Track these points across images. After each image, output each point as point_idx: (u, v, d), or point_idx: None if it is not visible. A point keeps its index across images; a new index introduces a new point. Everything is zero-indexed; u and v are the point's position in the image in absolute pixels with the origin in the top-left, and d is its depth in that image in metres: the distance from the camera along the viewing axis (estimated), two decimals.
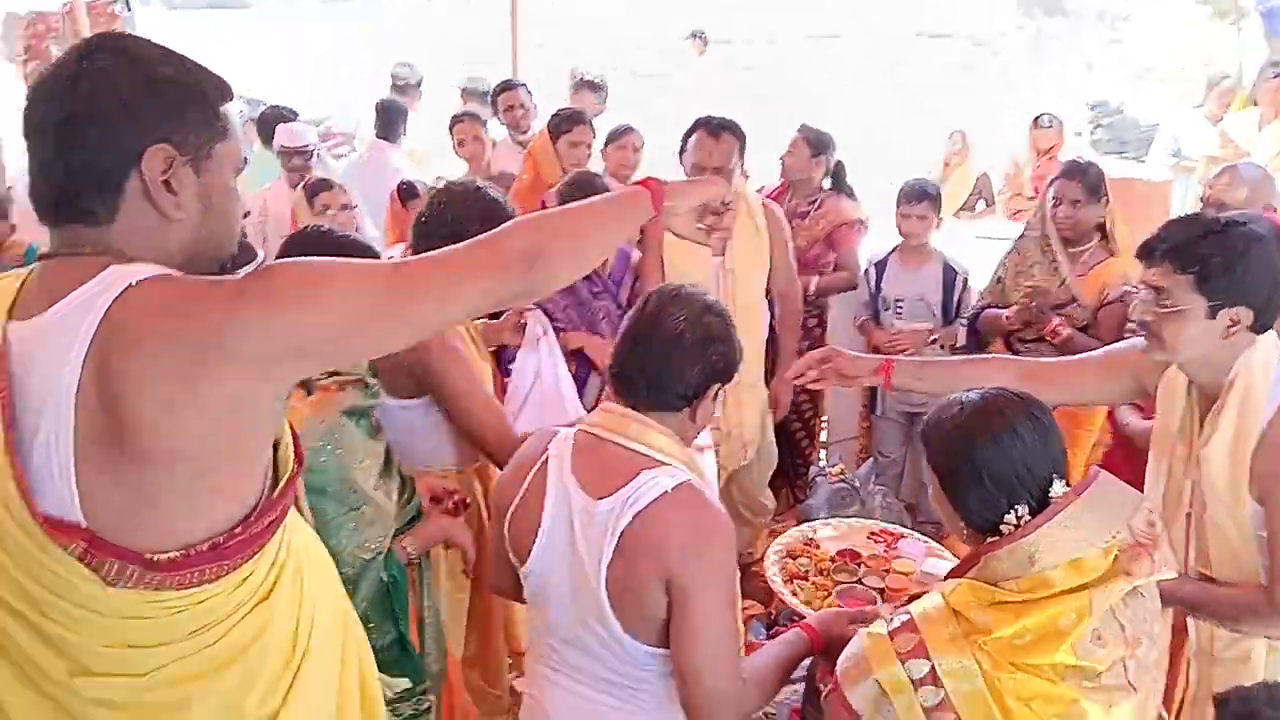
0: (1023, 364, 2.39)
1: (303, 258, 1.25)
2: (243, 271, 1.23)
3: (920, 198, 3.72)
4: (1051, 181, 3.42)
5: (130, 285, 1.13)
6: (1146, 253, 1.96)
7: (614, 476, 1.70)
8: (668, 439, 1.74)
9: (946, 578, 1.65)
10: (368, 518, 2.10)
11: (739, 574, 1.84)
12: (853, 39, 20.03)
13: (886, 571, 2.62)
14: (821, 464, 3.81)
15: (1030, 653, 1.43)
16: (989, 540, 1.55)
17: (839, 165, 4.26)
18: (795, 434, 4.11)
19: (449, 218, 2.39)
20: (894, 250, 3.90)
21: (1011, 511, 1.53)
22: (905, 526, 3.48)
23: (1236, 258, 1.82)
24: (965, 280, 3.83)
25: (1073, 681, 1.43)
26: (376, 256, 2.21)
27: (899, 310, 3.83)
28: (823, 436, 4.54)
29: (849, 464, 3.74)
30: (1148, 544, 1.51)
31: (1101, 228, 3.35)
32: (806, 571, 2.60)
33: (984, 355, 2.99)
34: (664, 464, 1.71)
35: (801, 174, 4.17)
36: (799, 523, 3.43)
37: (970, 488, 1.56)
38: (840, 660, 1.57)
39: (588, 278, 3.32)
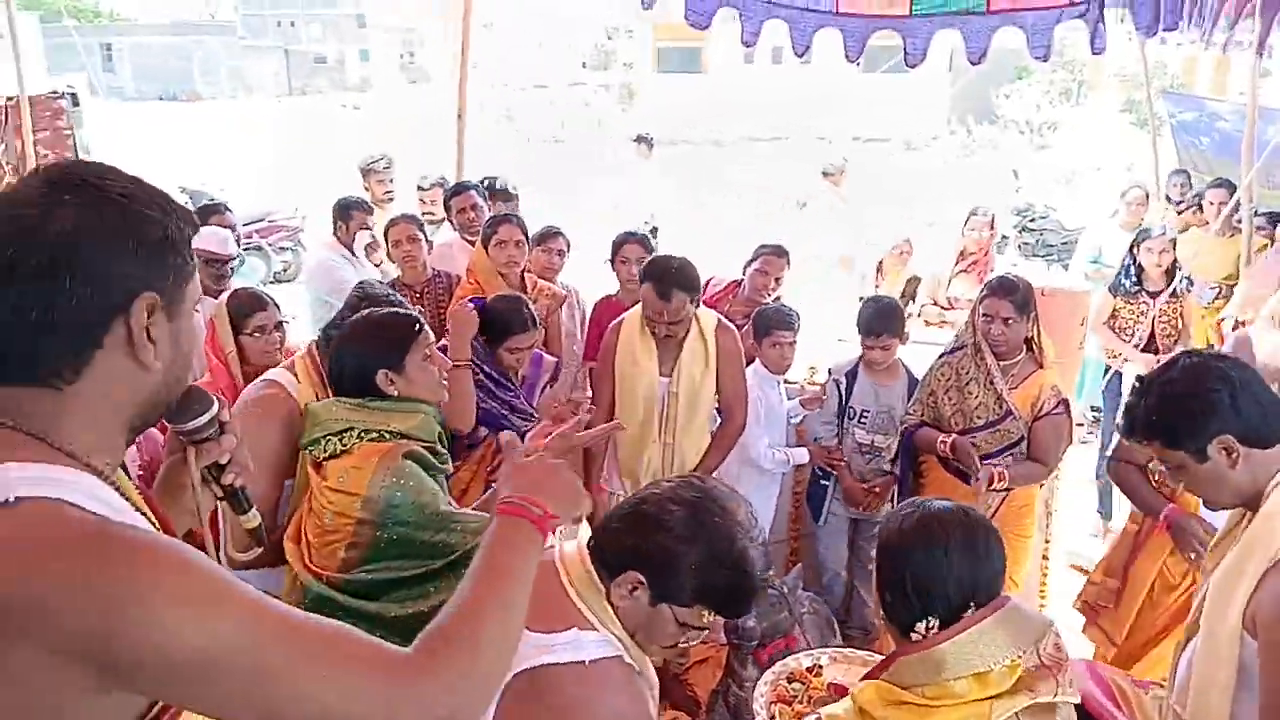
0: None
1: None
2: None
3: (881, 331, 3.73)
4: (983, 298, 3.46)
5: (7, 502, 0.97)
6: (1126, 435, 2.06)
7: (548, 616, 1.53)
8: (611, 616, 1.58)
9: (863, 679, 1.71)
10: (459, 522, 2.31)
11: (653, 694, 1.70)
12: (794, 142, 20.74)
13: None
14: None
15: None
16: (903, 645, 1.65)
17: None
18: None
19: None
20: (859, 361, 3.90)
21: (924, 620, 1.63)
22: (831, 634, 3.50)
23: (1168, 408, 1.92)
24: None
25: None
26: None
27: (863, 421, 3.85)
28: None
29: (777, 570, 3.73)
30: (1053, 666, 1.58)
31: (1029, 341, 3.44)
32: (795, 696, 2.55)
33: None
34: (598, 630, 1.56)
35: (765, 295, 4.27)
36: (727, 635, 3.40)
37: (893, 587, 1.69)
38: None
39: (499, 383, 3.34)
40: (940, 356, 3.57)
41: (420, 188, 6.34)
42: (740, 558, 1.56)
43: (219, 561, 1.30)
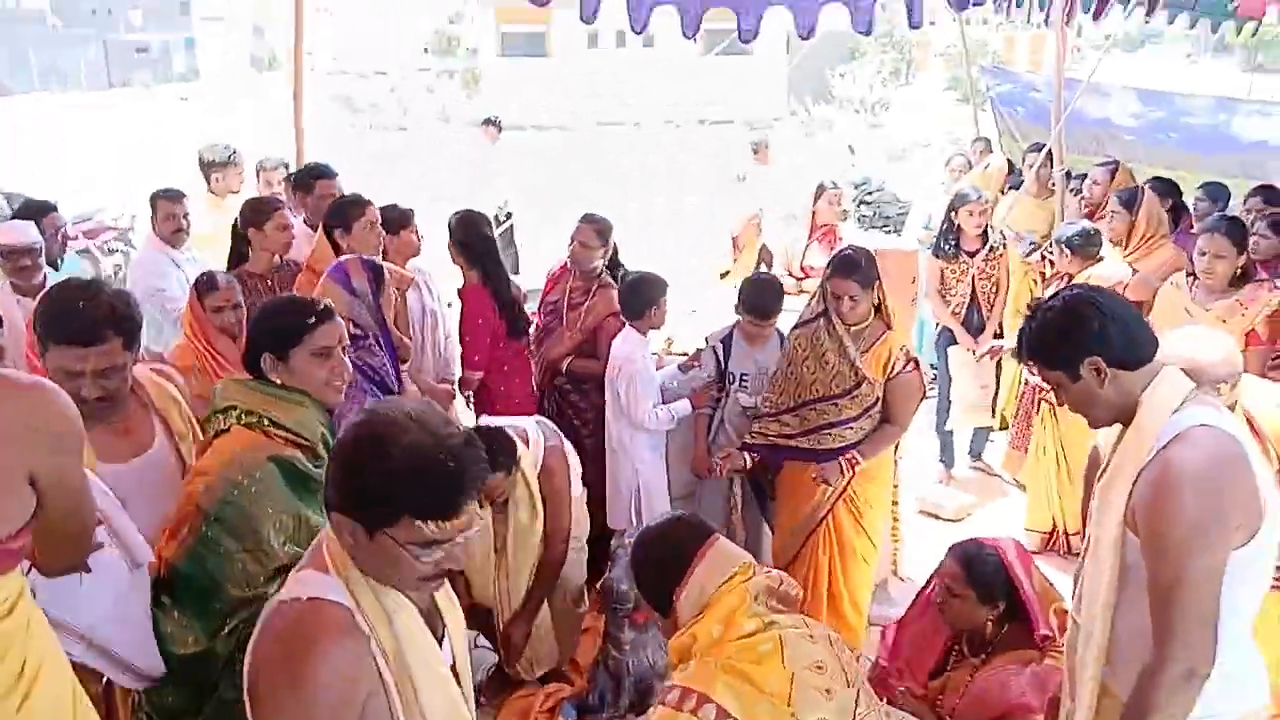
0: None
1: None
2: None
3: (771, 312, 3.87)
4: (829, 277, 3.57)
5: None
6: (1018, 358, 2.30)
7: (307, 561, 1.65)
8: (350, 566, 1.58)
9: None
10: (260, 562, 2.25)
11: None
12: (641, 127, 20.93)
13: None
14: (620, 535, 3.86)
15: (729, 631, 2.08)
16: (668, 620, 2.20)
17: (615, 253, 4.45)
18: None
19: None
20: (734, 328, 4.04)
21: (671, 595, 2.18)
22: None
23: (1047, 331, 2.14)
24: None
25: (758, 625, 2.08)
26: None
27: (744, 384, 4.00)
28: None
29: None
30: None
31: (877, 306, 3.64)
32: None
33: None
34: (330, 575, 1.57)
35: (588, 263, 4.34)
36: (601, 601, 3.48)
37: (645, 582, 2.27)
38: None
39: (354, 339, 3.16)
40: (795, 328, 3.73)
41: (263, 168, 6.11)
42: (412, 451, 1.50)
43: None
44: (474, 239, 4.16)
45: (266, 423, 2.31)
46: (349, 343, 2.55)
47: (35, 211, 4.60)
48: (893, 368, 3.55)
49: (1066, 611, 2.77)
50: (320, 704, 1.47)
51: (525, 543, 3.41)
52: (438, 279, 4.56)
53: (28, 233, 4.12)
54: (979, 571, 2.83)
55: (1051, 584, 2.91)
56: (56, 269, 4.55)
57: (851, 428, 3.56)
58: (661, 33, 5.18)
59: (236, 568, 2.25)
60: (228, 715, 2.26)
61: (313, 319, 2.39)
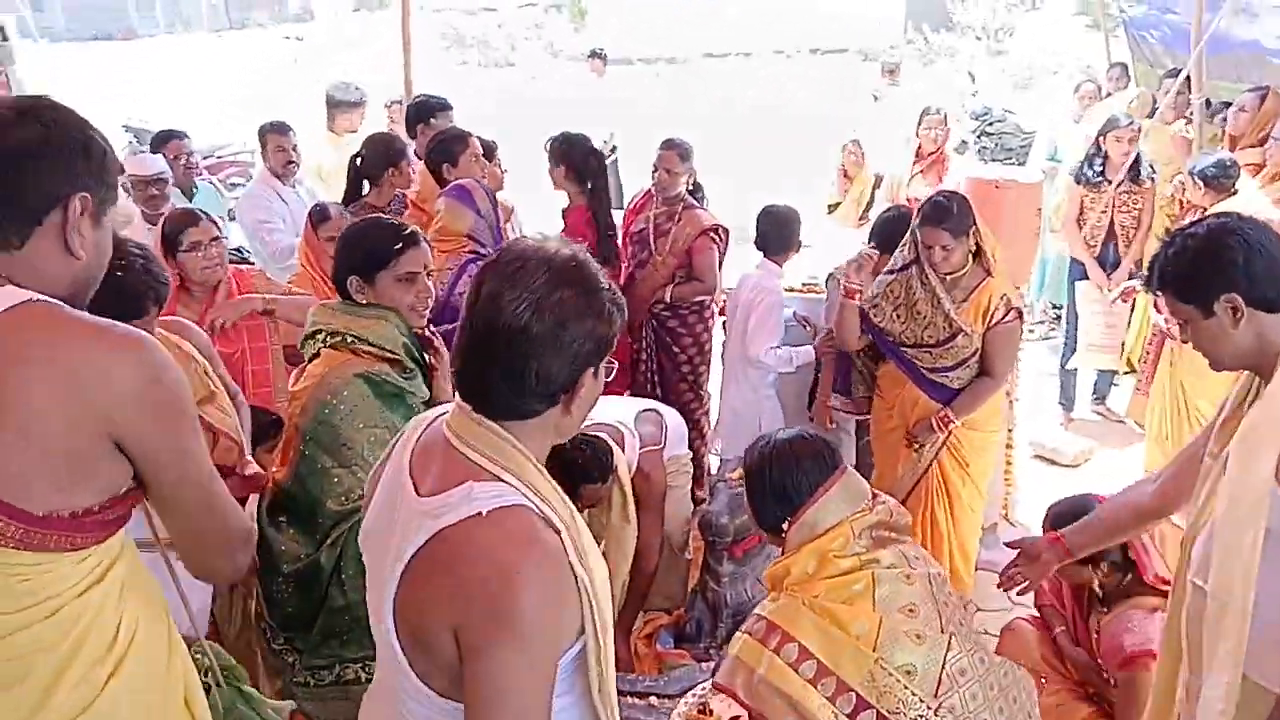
0: (1155, 485, 2.35)
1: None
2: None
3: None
4: (919, 225, 3.35)
5: (23, 302, 1.36)
6: (1145, 286, 2.14)
7: (441, 478, 1.39)
8: (518, 454, 1.38)
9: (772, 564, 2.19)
10: (356, 475, 2.31)
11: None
12: (751, 57, 20.44)
13: None
14: (722, 468, 3.85)
15: (823, 568, 2.07)
16: (777, 540, 2.18)
17: (694, 176, 4.43)
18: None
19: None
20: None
21: (785, 520, 2.14)
22: None
23: (1183, 259, 1.96)
24: None
25: (854, 564, 2.06)
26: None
27: None
28: (718, 445, 4.60)
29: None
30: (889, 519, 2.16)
31: (974, 251, 3.41)
32: None
33: (1121, 494, 2.55)
34: (499, 479, 1.36)
35: (674, 189, 4.29)
36: (700, 533, 3.47)
37: (760, 498, 2.21)
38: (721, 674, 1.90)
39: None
40: (887, 272, 3.52)
41: (389, 105, 6.26)
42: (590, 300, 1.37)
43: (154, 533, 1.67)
44: (578, 159, 4.16)
45: (351, 340, 2.35)
46: (433, 268, 2.58)
47: (165, 138, 4.83)
48: (992, 317, 3.34)
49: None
50: (541, 630, 1.31)
51: (618, 547, 3.32)
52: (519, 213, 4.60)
53: (155, 163, 4.32)
54: None
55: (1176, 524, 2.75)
56: (189, 199, 4.75)
57: (948, 376, 3.40)
58: None
59: (334, 482, 2.34)
60: (339, 622, 2.39)
61: (399, 245, 2.40)
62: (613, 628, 1.45)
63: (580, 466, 3.03)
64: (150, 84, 17.29)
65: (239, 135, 11.15)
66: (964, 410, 3.40)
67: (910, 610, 1.99)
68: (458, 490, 1.35)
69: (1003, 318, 3.35)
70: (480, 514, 1.32)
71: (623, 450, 3.26)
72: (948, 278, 3.36)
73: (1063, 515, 2.63)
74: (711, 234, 4.29)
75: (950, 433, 3.43)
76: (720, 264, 4.37)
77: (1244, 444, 1.92)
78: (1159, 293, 2.06)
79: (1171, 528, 2.78)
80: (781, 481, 2.14)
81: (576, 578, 1.35)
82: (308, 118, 6.07)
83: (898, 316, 3.45)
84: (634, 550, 3.30)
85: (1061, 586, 2.92)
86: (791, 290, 4.35)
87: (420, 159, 4.53)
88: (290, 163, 4.76)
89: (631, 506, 3.28)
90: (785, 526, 2.11)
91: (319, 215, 3.70)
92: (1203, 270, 1.94)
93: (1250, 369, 2.00)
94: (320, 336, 2.40)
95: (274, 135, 4.75)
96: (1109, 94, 7.14)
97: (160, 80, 18.10)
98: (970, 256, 3.36)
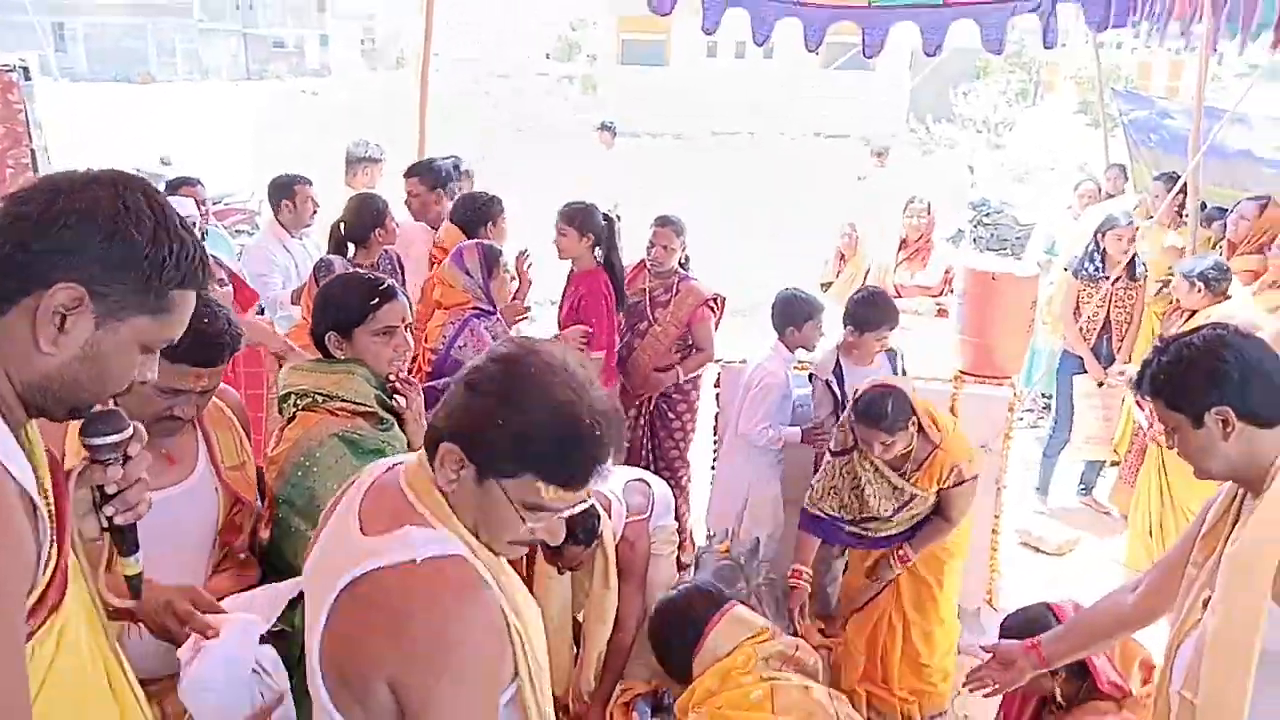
0: (1136, 595, 2.33)
1: None
2: None
3: (860, 325, 3.79)
4: (853, 422, 3.33)
5: None
6: (1134, 389, 2.12)
7: (385, 520, 1.40)
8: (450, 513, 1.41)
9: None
10: None
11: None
12: (756, 137, 20.87)
13: None
14: (708, 538, 3.85)
15: (725, 684, 2.26)
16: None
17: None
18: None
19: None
20: (837, 349, 3.95)
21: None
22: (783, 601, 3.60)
23: (1176, 369, 1.93)
24: (902, 357, 4.03)
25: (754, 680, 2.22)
26: None
27: None
28: (708, 517, 4.61)
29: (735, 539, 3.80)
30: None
31: (918, 428, 3.37)
32: None
33: (1100, 603, 2.51)
34: (434, 527, 1.38)
35: (668, 264, 4.45)
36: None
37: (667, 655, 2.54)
38: None
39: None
40: (831, 455, 3.54)
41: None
42: (560, 408, 1.35)
43: (95, 595, 1.39)
44: (594, 225, 4.26)
45: (322, 399, 2.33)
46: (411, 320, 2.58)
47: (178, 183, 4.94)
48: (945, 481, 3.37)
49: (1154, 665, 2.63)
50: (477, 677, 1.33)
51: (598, 613, 3.28)
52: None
53: (184, 206, 4.40)
54: None
55: (1132, 638, 2.75)
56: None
57: (894, 522, 3.45)
58: (782, 44, 5.11)
59: (306, 544, 2.29)
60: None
61: (376, 300, 2.40)
62: (548, 672, 1.49)
63: (566, 526, 3.01)
64: (165, 129, 17.55)
65: (244, 183, 11.35)
66: (920, 546, 3.46)
67: (809, 715, 2.08)
68: (398, 533, 1.36)
69: (959, 481, 3.36)
70: (414, 560, 1.33)
71: (609, 517, 3.27)
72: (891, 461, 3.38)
73: (1016, 627, 2.63)
74: (710, 304, 4.44)
75: (904, 569, 3.49)
76: (714, 332, 4.49)
77: (1242, 558, 1.89)
78: (1148, 398, 2.03)
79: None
80: (676, 625, 2.39)
81: (509, 624, 1.38)
82: (317, 171, 6.18)
83: (851, 498, 3.47)
84: (613, 619, 3.28)
85: (1019, 696, 2.89)
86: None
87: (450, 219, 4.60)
88: (316, 211, 4.86)
89: (614, 573, 3.25)
90: (693, 666, 2.28)
91: (324, 270, 3.78)
92: (1196, 381, 1.91)
93: (1238, 481, 1.97)
94: (293, 400, 2.38)
95: (302, 187, 4.84)
96: (1109, 195, 7.30)
97: (176, 127, 18.38)
98: (914, 437, 3.34)
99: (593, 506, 3.07)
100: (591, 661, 3.36)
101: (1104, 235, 5.17)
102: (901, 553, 3.46)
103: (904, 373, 3.98)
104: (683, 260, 4.56)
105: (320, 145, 6.22)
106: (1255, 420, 1.88)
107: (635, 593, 3.33)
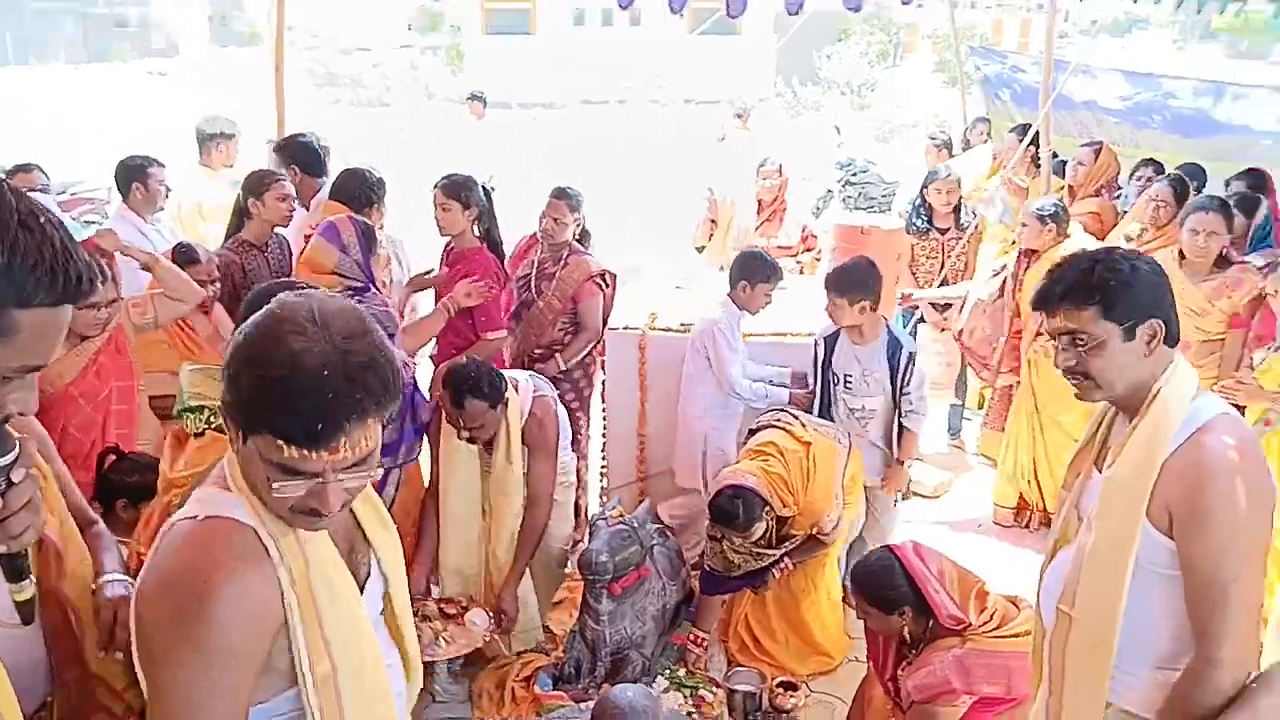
0: None
1: None
2: None
3: (845, 289, 3.76)
4: (713, 522, 3.51)
5: None
6: (1043, 301, 1.98)
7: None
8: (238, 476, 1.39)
9: None
10: None
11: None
12: (627, 105, 20.80)
13: None
14: (602, 508, 3.85)
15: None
16: None
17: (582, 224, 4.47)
18: None
19: None
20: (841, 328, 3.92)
21: None
22: (682, 565, 3.65)
23: (1129, 276, 1.89)
24: (911, 355, 3.90)
25: None
26: None
27: (849, 386, 3.90)
28: (602, 483, 4.62)
29: (627, 507, 3.81)
30: None
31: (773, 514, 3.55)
32: None
33: None
34: (232, 491, 1.38)
35: (560, 237, 4.31)
36: (579, 571, 3.47)
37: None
38: None
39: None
40: (707, 538, 3.68)
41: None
42: (289, 359, 1.27)
43: None
44: (477, 198, 4.13)
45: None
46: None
47: (15, 171, 4.65)
48: (810, 532, 3.61)
49: (988, 593, 2.79)
50: (218, 651, 1.27)
51: (503, 490, 3.38)
52: (406, 248, 4.63)
53: (46, 200, 4.14)
54: (872, 590, 2.82)
55: (967, 571, 2.90)
56: None
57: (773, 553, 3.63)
58: (648, 10, 5.07)
59: None
60: None
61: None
62: (369, 674, 1.44)
63: (470, 380, 3.16)
64: (2, 117, 16.39)
65: (93, 172, 10.69)
66: (799, 559, 3.64)
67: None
68: (200, 491, 1.39)
69: (820, 534, 3.61)
70: (195, 518, 1.34)
71: (516, 393, 3.36)
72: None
73: (863, 573, 2.88)
74: (598, 279, 4.33)
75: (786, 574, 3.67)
76: (609, 309, 4.41)
77: (1113, 481, 1.94)
78: (1065, 302, 1.93)
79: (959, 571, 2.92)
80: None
81: (288, 623, 1.33)
82: (171, 153, 5.86)
83: (732, 560, 3.62)
84: (527, 497, 3.43)
85: (880, 640, 3.01)
86: (654, 329, 4.38)
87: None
88: (167, 195, 4.63)
89: (517, 449, 3.36)
90: None
91: (185, 257, 3.61)
92: (1141, 291, 1.89)
93: (1121, 404, 1.99)
94: (205, 415, 2.30)
95: (155, 169, 4.56)
96: (972, 145, 7.58)
97: (12, 113, 17.17)
98: (772, 523, 3.54)
99: (500, 373, 3.29)
100: (503, 538, 3.44)
101: (926, 189, 5.36)
102: (781, 564, 3.61)
103: (904, 371, 3.91)
104: (578, 235, 4.43)
105: (171, 127, 5.87)
106: (1170, 338, 1.92)
107: (547, 471, 3.46)
